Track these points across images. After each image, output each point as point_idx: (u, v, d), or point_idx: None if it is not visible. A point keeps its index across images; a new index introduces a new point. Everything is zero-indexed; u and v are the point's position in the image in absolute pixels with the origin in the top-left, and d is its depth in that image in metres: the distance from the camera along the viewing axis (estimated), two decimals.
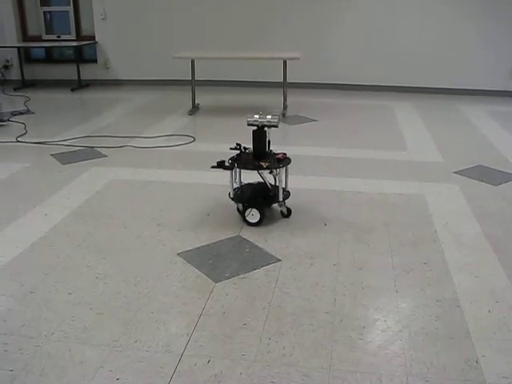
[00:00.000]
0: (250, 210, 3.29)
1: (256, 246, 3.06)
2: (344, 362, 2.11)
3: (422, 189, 3.93)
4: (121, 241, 3.14)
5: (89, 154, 4.81)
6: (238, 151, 3.39)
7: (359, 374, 2.04)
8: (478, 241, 3.13)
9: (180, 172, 4.31)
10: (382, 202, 3.69)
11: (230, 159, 3.34)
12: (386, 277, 2.73)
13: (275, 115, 3.30)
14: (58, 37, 8.46)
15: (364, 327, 2.32)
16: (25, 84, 8.24)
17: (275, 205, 3.45)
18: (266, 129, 3.31)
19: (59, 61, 8.66)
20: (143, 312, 2.43)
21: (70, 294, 2.59)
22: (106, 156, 4.74)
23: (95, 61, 8.38)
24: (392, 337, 2.26)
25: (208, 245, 3.08)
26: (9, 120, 5.80)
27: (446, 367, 2.07)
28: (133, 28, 8.07)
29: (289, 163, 3.38)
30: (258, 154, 3.34)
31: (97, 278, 2.73)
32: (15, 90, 7.94)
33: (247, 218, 3.31)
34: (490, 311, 2.44)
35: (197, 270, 2.79)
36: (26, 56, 8.61)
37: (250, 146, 3.39)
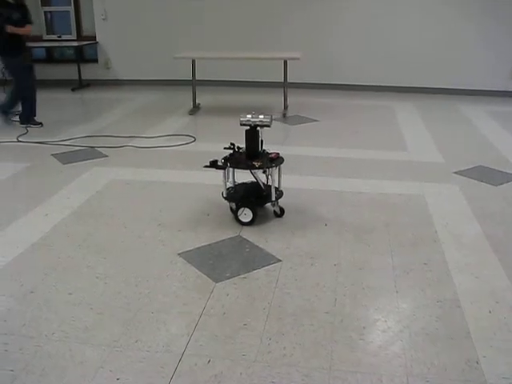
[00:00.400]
0: (242, 209, 3.31)
1: (256, 246, 3.06)
2: (344, 362, 2.11)
3: (422, 189, 3.93)
4: (121, 241, 3.14)
5: (89, 153, 4.81)
6: (232, 151, 3.40)
7: (360, 375, 2.04)
8: (479, 241, 3.13)
9: (180, 172, 4.31)
10: (382, 203, 3.69)
11: (222, 159, 3.35)
12: (387, 277, 2.73)
13: (268, 115, 3.31)
14: (59, 37, 8.46)
15: (364, 327, 2.32)
16: None
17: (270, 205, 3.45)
18: (258, 128, 3.32)
19: (60, 61, 8.68)
20: (144, 312, 2.44)
21: (70, 294, 2.59)
22: (107, 156, 4.74)
23: (96, 61, 8.38)
24: (392, 337, 2.26)
25: (208, 245, 3.08)
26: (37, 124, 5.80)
27: (447, 367, 2.07)
28: (133, 28, 8.07)
29: (281, 163, 3.39)
30: (251, 154, 3.35)
31: (97, 278, 2.74)
32: None
33: (240, 218, 3.32)
34: (490, 312, 2.44)
35: (197, 270, 2.79)
36: None
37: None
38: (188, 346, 2.20)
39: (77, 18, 8.42)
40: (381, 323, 2.35)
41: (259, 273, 2.77)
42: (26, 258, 2.95)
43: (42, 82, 8.26)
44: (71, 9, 8.37)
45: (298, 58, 6.13)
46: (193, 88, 6.62)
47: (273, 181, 3.33)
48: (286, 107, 6.49)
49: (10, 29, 5.20)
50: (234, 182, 3.52)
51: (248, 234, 3.21)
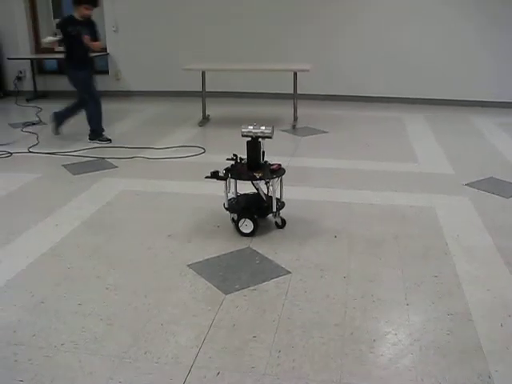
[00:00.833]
0: (243, 220, 3.31)
1: (266, 257, 3.06)
2: (354, 375, 2.09)
3: (432, 201, 3.91)
4: (131, 252, 3.15)
5: (100, 164, 4.83)
6: (234, 161, 3.41)
7: None
8: (490, 253, 3.10)
9: (190, 183, 4.32)
10: (392, 215, 3.67)
11: (224, 169, 3.36)
12: (397, 289, 2.71)
13: (269, 126, 3.32)
14: None
15: (374, 340, 2.31)
16: (37, 95, 8.34)
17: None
18: (260, 140, 3.33)
19: None
20: (153, 323, 2.43)
21: (80, 304, 2.59)
22: (117, 167, 4.76)
23: (106, 72, 8.45)
24: (403, 350, 2.24)
25: (218, 256, 3.08)
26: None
27: (458, 382, 2.05)
28: (144, 40, 8.13)
29: (283, 174, 3.40)
30: (252, 165, 3.36)
31: (107, 288, 2.74)
32: (28, 100, 8.02)
33: (241, 228, 3.32)
34: (502, 325, 2.41)
35: (207, 282, 2.79)
36: (38, 67, 8.71)
37: None
38: (197, 358, 2.19)
39: None
40: (391, 336, 2.34)
41: (269, 285, 2.76)
42: (36, 269, 2.96)
43: (53, 93, 8.37)
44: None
45: (307, 70, 6.14)
46: (202, 99, 6.65)
47: (274, 192, 3.33)
48: (295, 118, 6.50)
49: (86, 40, 5.29)
50: (236, 192, 3.53)
51: (258, 245, 3.20)
